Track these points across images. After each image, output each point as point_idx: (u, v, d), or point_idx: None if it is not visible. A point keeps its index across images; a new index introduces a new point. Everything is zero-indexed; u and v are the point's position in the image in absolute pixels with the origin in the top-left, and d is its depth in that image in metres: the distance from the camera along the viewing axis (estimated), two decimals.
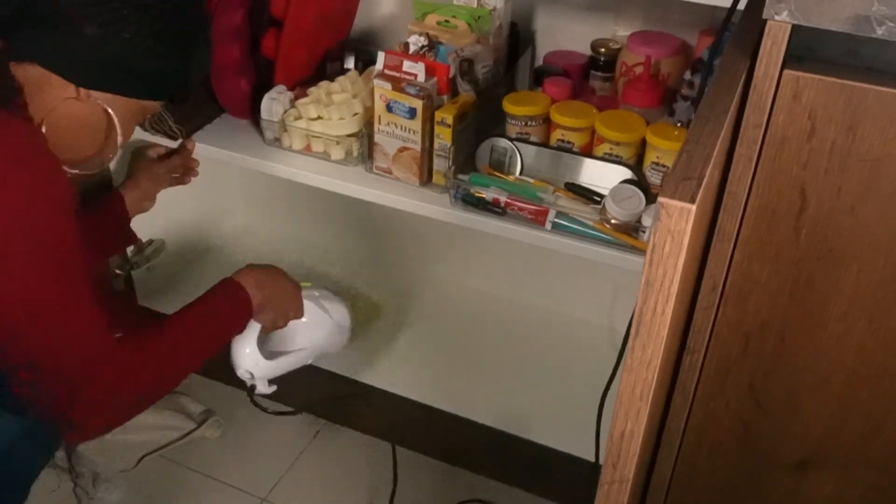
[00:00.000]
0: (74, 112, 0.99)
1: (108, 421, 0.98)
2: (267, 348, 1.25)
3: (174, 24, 0.99)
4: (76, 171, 1.03)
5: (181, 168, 1.44)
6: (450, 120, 1.23)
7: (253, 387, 1.27)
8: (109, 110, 1.00)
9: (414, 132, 1.25)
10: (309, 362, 1.31)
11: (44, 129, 0.97)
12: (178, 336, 1.06)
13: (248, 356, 1.22)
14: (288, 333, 1.28)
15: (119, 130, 1.02)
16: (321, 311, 1.30)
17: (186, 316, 1.08)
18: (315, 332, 1.30)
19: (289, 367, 1.29)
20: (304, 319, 1.28)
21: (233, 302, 1.15)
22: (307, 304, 1.28)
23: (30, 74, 0.95)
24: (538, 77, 1.40)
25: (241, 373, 1.24)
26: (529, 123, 1.30)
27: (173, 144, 1.46)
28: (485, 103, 1.31)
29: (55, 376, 0.92)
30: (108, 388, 0.95)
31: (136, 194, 1.38)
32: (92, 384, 0.94)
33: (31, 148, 0.91)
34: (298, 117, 1.38)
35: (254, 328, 1.21)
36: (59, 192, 0.92)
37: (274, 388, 1.28)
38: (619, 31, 1.43)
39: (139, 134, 1.47)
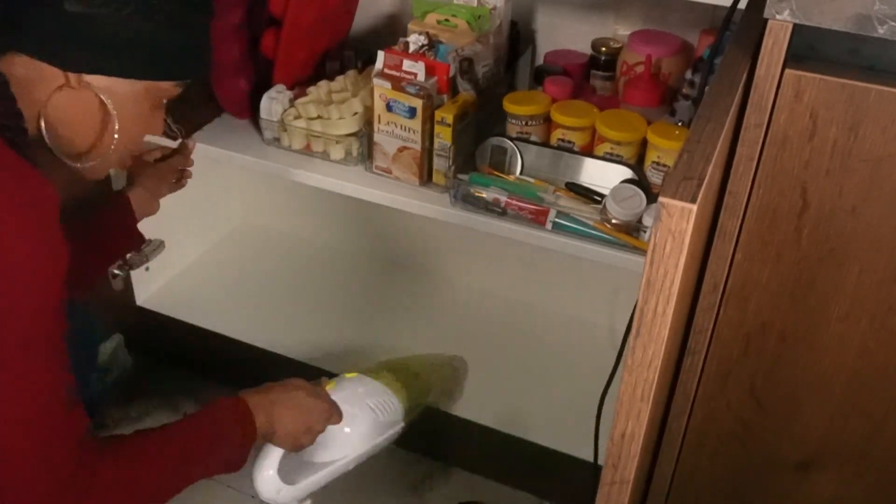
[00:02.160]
0: (68, 101, 0.91)
1: None
2: (300, 460, 1.11)
3: None
4: (87, 164, 0.96)
5: (180, 169, 1.38)
6: (450, 119, 1.23)
7: None
8: (102, 97, 0.91)
9: (414, 132, 1.25)
10: (350, 468, 1.15)
11: (42, 124, 0.91)
12: (157, 464, 0.93)
13: (268, 481, 1.07)
14: (332, 442, 1.12)
15: (116, 117, 0.93)
16: (363, 409, 1.14)
17: (173, 436, 0.95)
18: (356, 436, 1.13)
19: (320, 484, 1.13)
20: (341, 424, 1.12)
21: (231, 428, 1.00)
22: (345, 407, 1.12)
23: (16, 69, 0.88)
24: (538, 76, 1.40)
25: (264, 499, 1.09)
26: (530, 123, 1.29)
27: (173, 144, 1.45)
28: (485, 103, 1.31)
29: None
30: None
31: (143, 194, 1.31)
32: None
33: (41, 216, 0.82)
34: (298, 117, 1.38)
35: (272, 450, 1.06)
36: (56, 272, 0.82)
37: None
38: (620, 30, 1.43)
39: None
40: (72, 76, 0.89)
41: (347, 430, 1.12)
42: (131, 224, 1.30)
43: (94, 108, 0.93)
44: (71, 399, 0.85)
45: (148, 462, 0.92)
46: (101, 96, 0.91)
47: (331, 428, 1.10)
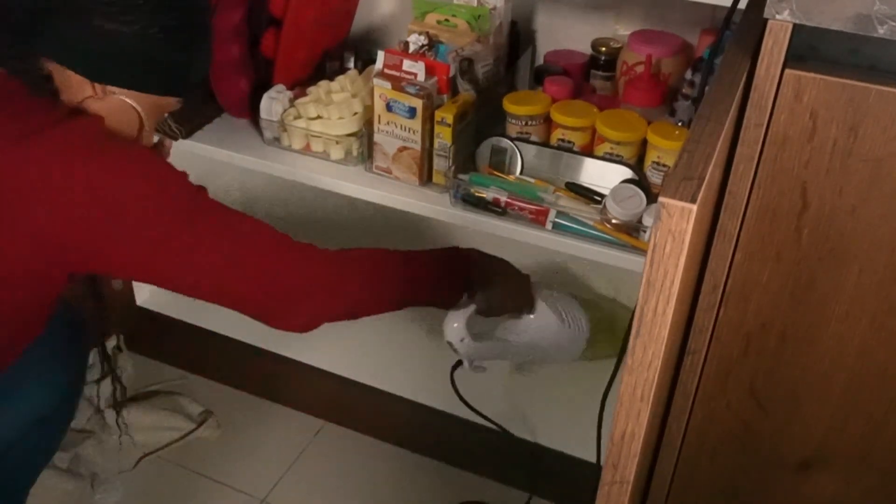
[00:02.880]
0: (101, 107, 0.98)
1: (306, 314, 1.05)
2: (488, 330, 1.23)
3: (187, 15, 0.99)
4: None
5: None
6: (450, 119, 1.23)
7: (459, 362, 1.27)
8: (136, 106, 1.00)
9: (414, 132, 1.25)
10: (525, 360, 1.28)
11: None
12: (392, 273, 1.10)
13: (454, 330, 1.20)
14: (516, 325, 1.24)
15: (146, 123, 1.02)
16: (555, 312, 1.24)
17: (409, 260, 1.11)
18: (540, 332, 1.24)
19: (496, 355, 1.26)
20: (531, 317, 1.23)
21: (450, 267, 1.15)
22: (540, 304, 1.23)
23: (52, 67, 0.96)
24: (538, 76, 1.40)
25: (448, 341, 1.22)
26: (530, 123, 1.29)
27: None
28: (485, 103, 1.31)
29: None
30: (312, 286, 1.04)
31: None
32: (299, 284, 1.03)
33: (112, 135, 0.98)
34: (298, 117, 1.38)
35: (470, 306, 1.18)
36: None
37: (482, 369, 1.26)
38: (620, 30, 1.43)
39: None
40: (97, 86, 0.96)
41: (532, 317, 1.22)
42: None
43: (126, 115, 1.00)
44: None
45: (387, 278, 1.10)
46: (137, 107, 1.00)
47: (526, 317, 1.23)
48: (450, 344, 1.22)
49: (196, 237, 0.95)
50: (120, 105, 0.99)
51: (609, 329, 1.37)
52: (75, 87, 0.96)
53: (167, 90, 1.03)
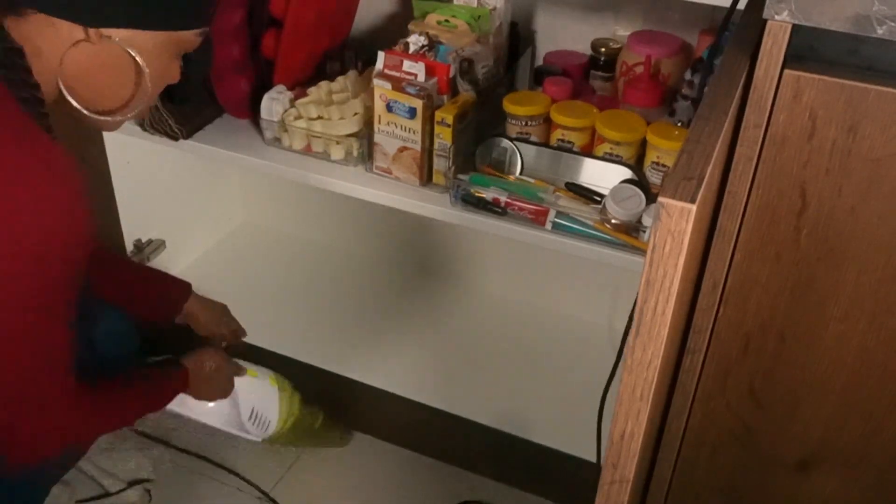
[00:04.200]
0: (88, 57, 0.87)
1: (40, 450, 0.99)
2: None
3: None
4: (118, 118, 0.95)
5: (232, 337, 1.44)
6: (450, 120, 1.23)
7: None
8: (130, 51, 0.88)
9: (414, 132, 1.25)
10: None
11: (61, 85, 0.88)
12: (120, 396, 1.09)
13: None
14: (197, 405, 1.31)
15: (146, 71, 0.90)
16: (243, 404, 1.33)
17: (135, 393, 1.12)
18: (213, 413, 1.31)
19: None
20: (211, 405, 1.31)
21: (173, 391, 1.20)
22: (240, 392, 1.32)
23: (29, 29, 0.85)
24: (538, 77, 1.40)
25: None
26: (530, 123, 1.29)
27: (173, 144, 1.46)
28: (485, 103, 1.31)
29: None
30: (53, 422, 0.97)
31: (193, 309, 1.35)
32: (40, 416, 0.95)
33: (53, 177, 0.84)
34: (298, 117, 1.38)
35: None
36: (62, 223, 0.85)
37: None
38: (620, 30, 1.43)
39: (136, 138, 1.48)
40: (91, 31, 0.85)
41: (211, 405, 1.30)
42: (171, 307, 1.35)
43: (121, 63, 0.89)
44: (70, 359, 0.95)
45: (116, 406, 1.08)
46: (130, 51, 0.88)
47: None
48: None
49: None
50: (115, 54, 0.88)
51: (301, 426, 1.45)
52: (63, 36, 0.85)
53: (176, 24, 0.90)
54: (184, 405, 1.27)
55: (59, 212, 0.84)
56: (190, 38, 0.92)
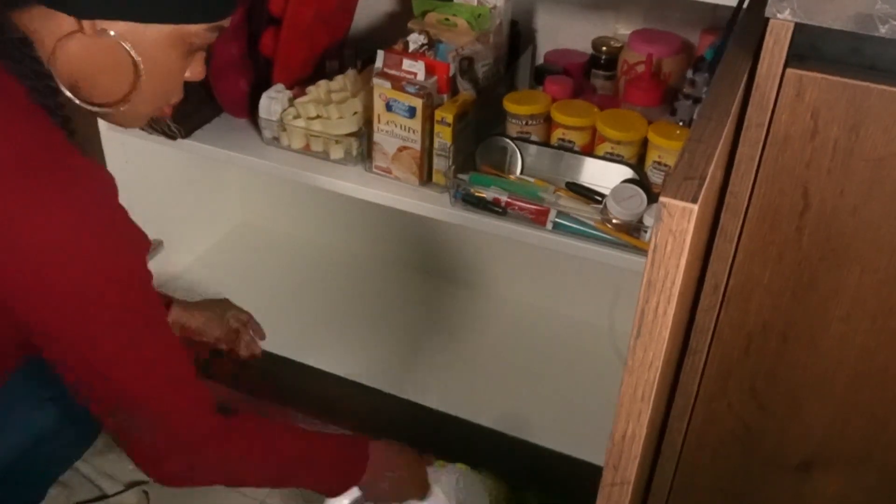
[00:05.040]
0: (81, 49, 0.85)
1: (180, 478, 0.97)
2: None
3: None
4: (119, 111, 0.92)
5: (236, 341, 1.35)
6: (450, 119, 1.23)
7: None
8: (125, 45, 0.85)
9: (414, 131, 1.25)
10: None
11: (54, 74, 0.85)
12: (282, 448, 1.03)
13: None
14: None
15: (142, 67, 0.87)
16: (451, 501, 1.19)
17: (302, 438, 1.06)
18: None
19: None
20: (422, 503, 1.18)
21: (349, 459, 1.11)
22: (436, 490, 1.19)
23: (32, 21, 0.84)
24: (539, 76, 1.40)
25: None
26: (530, 122, 1.29)
27: (171, 144, 1.46)
28: (485, 102, 1.30)
29: (154, 423, 0.92)
30: (200, 453, 0.95)
31: (179, 318, 1.28)
32: (190, 444, 0.94)
33: (100, 194, 0.85)
34: (297, 116, 1.37)
35: (354, 492, 1.12)
36: (128, 230, 0.89)
37: None
38: (621, 29, 1.43)
39: (134, 137, 1.47)
40: (86, 23, 0.84)
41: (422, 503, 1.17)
42: None
43: (117, 57, 0.87)
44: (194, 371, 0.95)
45: (270, 456, 1.02)
46: (124, 44, 0.85)
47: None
48: None
49: (127, 324, 0.87)
50: (111, 48, 0.85)
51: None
52: (63, 26, 0.84)
53: (173, 16, 0.86)
54: None
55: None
56: (200, 32, 0.89)
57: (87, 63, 0.87)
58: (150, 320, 0.90)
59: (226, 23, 0.91)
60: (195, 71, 0.94)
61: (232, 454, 0.99)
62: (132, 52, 0.86)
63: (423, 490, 1.19)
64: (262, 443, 1.02)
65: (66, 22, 0.84)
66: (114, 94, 0.90)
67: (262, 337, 1.37)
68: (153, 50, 0.87)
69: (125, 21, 0.84)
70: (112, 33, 0.85)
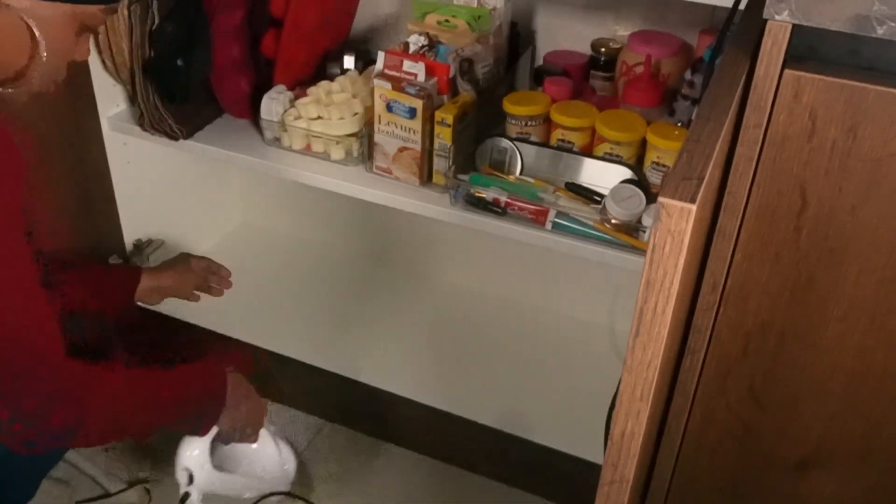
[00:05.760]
0: None
1: (49, 427, 0.92)
2: (219, 461, 1.19)
3: None
4: (10, 90, 0.92)
5: (208, 286, 1.41)
6: (450, 120, 1.23)
7: (186, 495, 1.17)
8: (27, 20, 0.86)
9: (414, 132, 1.25)
10: (246, 496, 1.25)
11: None
12: (141, 380, 1.01)
13: (195, 458, 1.14)
14: (235, 456, 1.22)
15: (43, 42, 0.88)
16: (274, 446, 1.25)
17: (157, 368, 1.03)
18: (262, 465, 1.23)
19: (227, 489, 1.21)
20: (255, 447, 1.23)
21: (212, 379, 1.11)
22: (263, 433, 1.24)
23: None
24: (538, 77, 1.40)
25: (180, 472, 1.15)
26: (530, 123, 1.29)
27: (174, 144, 1.46)
28: (485, 103, 1.31)
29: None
30: (48, 390, 0.91)
31: (153, 284, 1.32)
32: (34, 380, 0.90)
33: None
34: (298, 117, 1.38)
35: (211, 430, 1.14)
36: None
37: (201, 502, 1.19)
38: (620, 30, 1.43)
39: (136, 138, 1.48)
40: None
41: (259, 453, 1.23)
42: (126, 296, 1.31)
43: (17, 31, 0.87)
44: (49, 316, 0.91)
45: (136, 400, 1.00)
46: (27, 19, 0.86)
47: (245, 447, 1.22)
48: (185, 473, 1.15)
49: None
50: (11, 22, 0.86)
51: None
52: None
53: None
54: (237, 460, 1.17)
55: None
56: (95, 13, 0.91)
57: None
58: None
59: (118, 5, 0.93)
60: (82, 51, 0.95)
61: (91, 398, 0.95)
62: (35, 28, 0.87)
63: (259, 426, 1.22)
64: (129, 390, 0.99)
65: None
66: (7, 70, 0.90)
67: (228, 274, 1.43)
68: (50, 28, 0.88)
69: None
70: (14, 7, 0.85)
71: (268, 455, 1.24)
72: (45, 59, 0.89)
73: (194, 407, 1.11)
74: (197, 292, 1.39)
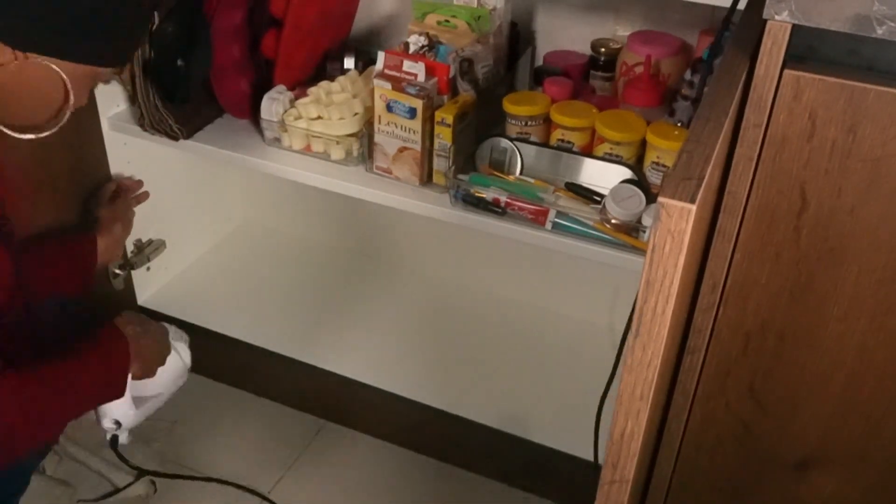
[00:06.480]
0: (12, 75, 0.92)
1: None
2: (136, 393, 1.19)
3: None
4: (30, 136, 0.97)
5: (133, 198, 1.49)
6: (450, 120, 1.23)
7: (115, 438, 1.21)
8: (63, 74, 0.94)
9: (414, 132, 1.25)
10: (160, 407, 1.26)
11: None
12: (36, 395, 0.99)
13: (120, 406, 1.14)
14: (158, 377, 1.22)
15: (73, 98, 0.97)
16: (175, 353, 1.25)
17: (60, 373, 1.01)
18: (168, 375, 1.23)
19: (147, 414, 1.22)
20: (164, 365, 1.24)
21: (112, 353, 1.09)
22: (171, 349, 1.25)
23: None
24: (538, 77, 1.40)
25: (107, 423, 1.17)
26: (529, 123, 1.30)
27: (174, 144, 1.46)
28: (485, 103, 1.31)
29: None
30: None
31: (110, 240, 1.36)
32: None
33: None
34: (298, 117, 1.38)
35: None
36: None
37: (130, 438, 1.22)
38: (620, 30, 1.43)
39: (136, 138, 1.48)
40: (19, 54, 0.91)
41: (165, 367, 1.22)
42: (90, 265, 1.32)
43: (55, 88, 0.95)
44: None
45: (35, 399, 0.98)
46: (65, 78, 0.94)
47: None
48: (112, 424, 1.17)
49: None
50: (42, 72, 0.93)
51: None
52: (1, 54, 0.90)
53: (99, 61, 0.96)
54: (152, 385, 1.18)
55: None
56: (108, 73, 1.00)
57: (21, 87, 0.93)
58: None
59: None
60: (84, 99, 1.02)
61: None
62: (69, 85, 0.95)
63: (166, 340, 1.23)
64: (19, 399, 0.97)
65: (1, 50, 0.90)
66: (37, 119, 0.98)
67: (140, 184, 1.52)
68: (76, 84, 0.97)
69: (54, 58, 0.93)
70: (54, 69, 0.93)
71: (171, 361, 1.24)
72: (70, 111, 0.98)
73: (98, 389, 1.09)
74: (133, 209, 1.48)
